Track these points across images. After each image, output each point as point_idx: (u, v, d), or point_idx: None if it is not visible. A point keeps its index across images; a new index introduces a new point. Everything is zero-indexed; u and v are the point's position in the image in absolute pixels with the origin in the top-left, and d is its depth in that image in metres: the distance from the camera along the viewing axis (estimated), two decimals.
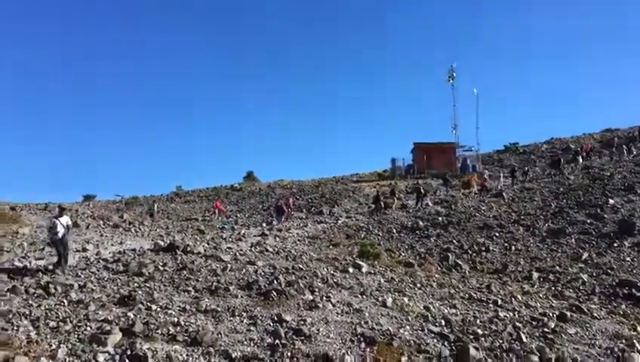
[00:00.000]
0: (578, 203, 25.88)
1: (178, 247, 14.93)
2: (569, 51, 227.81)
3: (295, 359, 7.89)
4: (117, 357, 7.25)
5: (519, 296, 14.15)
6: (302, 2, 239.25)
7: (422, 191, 30.37)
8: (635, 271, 17.42)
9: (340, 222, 26.22)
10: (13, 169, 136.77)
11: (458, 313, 11.52)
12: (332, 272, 13.98)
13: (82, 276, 11.77)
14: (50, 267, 12.25)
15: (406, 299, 11.99)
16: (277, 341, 8.33)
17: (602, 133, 50.74)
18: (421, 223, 24.63)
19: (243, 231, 22.29)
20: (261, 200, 36.83)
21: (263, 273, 12.85)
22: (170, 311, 9.35)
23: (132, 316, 8.81)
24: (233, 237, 20.14)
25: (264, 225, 26.40)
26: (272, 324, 9.15)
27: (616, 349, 10.34)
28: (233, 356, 7.70)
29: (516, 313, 12.15)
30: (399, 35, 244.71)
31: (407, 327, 9.89)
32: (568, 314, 12.40)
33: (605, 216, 23.21)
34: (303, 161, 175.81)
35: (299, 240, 20.74)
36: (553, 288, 16.12)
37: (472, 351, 8.78)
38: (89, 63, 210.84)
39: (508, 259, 19.32)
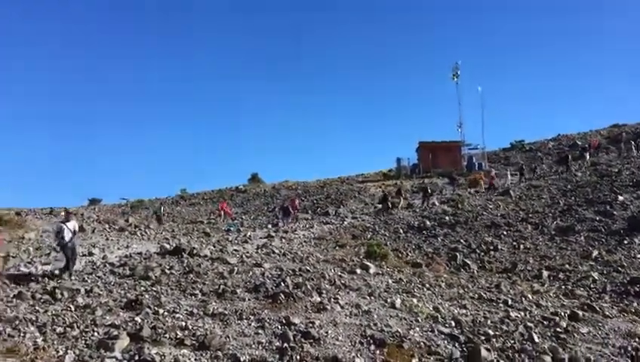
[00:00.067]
0: (586, 200, 25.66)
1: (184, 250, 14.87)
2: (571, 48, 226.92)
3: None
4: None
5: (529, 296, 14.00)
6: (303, 2, 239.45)
7: (428, 190, 30.19)
8: None
9: (345, 222, 26.09)
10: (16, 173, 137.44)
11: (468, 313, 11.39)
12: (339, 273, 13.87)
13: (89, 280, 11.72)
14: (57, 272, 12.19)
15: (415, 300, 11.87)
16: (285, 344, 8.24)
17: (609, 129, 50.41)
18: (428, 223, 24.47)
19: (249, 233, 22.22)
20: (266, 201, 36.75)
21: (269, 275, 12.75)
22: (177, 315, 9.28)
23: (139, 320, 8.74)
24: (239, 239, 20.06)
25: (270, 226, 26.33)
26: (280, 327, 9.05)
27: (629, 348, 10.21)
28: (242, 360, 7.62)
29: (527, 313, 12.00)
30: (401, 34, 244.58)
31: (417, 329, 9.77)
32: (580, 313, 12.25)
33: (614, 212, 22.98)
34: (307, 161, 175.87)
35: (305, 241, 20.64)
36: (564, 287, 15.95)
37: (484, 352, 8.66)
38: (91, 63, 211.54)
39: (517, 258, 19.15)
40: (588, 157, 37.37)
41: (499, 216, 24.91)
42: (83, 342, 7.79)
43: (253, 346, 8.19)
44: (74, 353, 7.36)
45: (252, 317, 9.50)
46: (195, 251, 14.95)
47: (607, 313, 12.85)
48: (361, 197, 34.48)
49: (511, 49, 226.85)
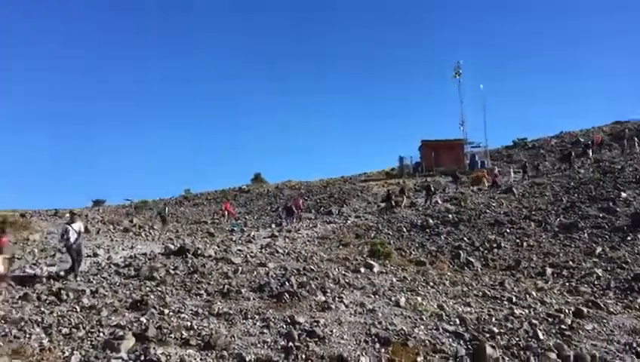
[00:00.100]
0: (590, 197, 25.60)
1: (188, 251, 14.90)
2: (573, 45, 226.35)
3: (310, 361, 7.82)
4: None
5: (534, 293, 14.00)
6: (303, 2, 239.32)
7: (431, 188, 30.16)
8: None
9: (349, 221, 26.11)
10: (17, 173, 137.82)
11: (473, 311, 11.41)
12: (343, 272, 13.89)
13: (94, 281, 11.76)
14: (62, 273, 12.25)
15: (419, 298, 11.88)
16: (291, 343, 8.27)
17: (612, 126, 50.25)
18: (431, 221, 24.45)
19: (252, 233, 22.26)
20: (269, 201, 36.79)
21: (274, 275, 12.78)
22: (182, 315, 9.31)
23: (145, 321, 8.77)
24: (243, 239, 20.09)
25: (273, 226, 26.36)
26: (285, 326, 9.08)
27: (634, 344, 10.20)
28: (247, 359, 7.65)
29: (532, 310, 12.01)
30: (402, 33, 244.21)
31: (422, 327, 9.79)
32: (584, 309, 12.25)
33: (618, 209, 22.92)
34: (310, 161, 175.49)
35: (308, 240, 20.66)
36: (568, 284, 15.94)
37: (489, 350, 8.67)
38: (91, 63, 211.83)
39: (520, 255, 19.12)
40: (591, 154, 37.28)
41: (502, 214, 24.86)
42: (89, 342, 7.83)
43: (259, 345, 8.22)
44: (80, 354, 7.40)
45: (257, 317, 9.53)
46: (199, 251, 14.98)
47: (612, 309, 12.85)
48: (364, 196, 34.48)
49: (513, 47, 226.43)
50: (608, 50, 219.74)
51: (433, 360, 8.36)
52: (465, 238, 21.77)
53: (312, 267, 14.11)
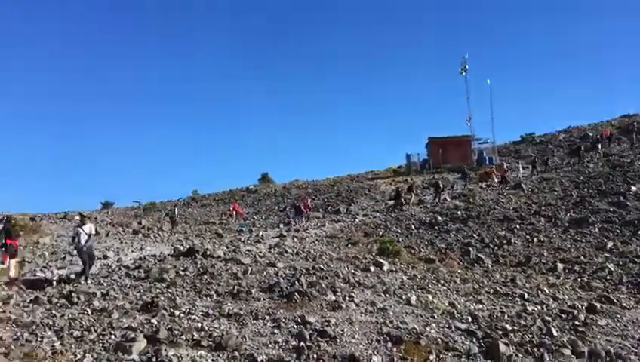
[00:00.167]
0: (599, 191, 25.38)
1: (198, 252, 14.89)
2: (576, 43, 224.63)
3: (321, 361, 7.78)
4: None
5: (546, 289, 13.89)
6: (303, 2, 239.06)
7: (440, 185, 30.01)
8: None
9: (357, 220, 26.05)
10: (17, 173, 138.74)
11: (484, 308, 11.32)
12: (353, 271, 13.83)
13: (104, 284, 11.78)
14: (73, 276, 12.27)
15: (430, 296, 11.81)
16: (302, 343, 8.23)
17: (620, 119, 49.77)
18: (440, 218, 24.34)
19: (261, 233, 22.26)
20: (277, 201, 36.80)
21: (283, 275, 12.74)
22: (193, 317, 9.29)
23: (156, 322, 8.76)
24: (251, 239, 20.10)
25: (281, 226, 26.35)
26: (296, 326, 9.03)
27: None
28: (259, 359, 7.61)
29: (544, 306, 11.91)
30: (408, 31, 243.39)
31: (434, 325, 9.71)
32: (597, 305, 12.14)
33: (628, 203, 22.73)
34: (316, 160, 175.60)
35: (317, 240, 20.63)
36: (579, 279, 15.81)
37: (502, 347, 8.59)
38: (91, 63, 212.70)
39: (531, 251, 19.01)
40: (600, 148, 36.94)
41: (511, 210, 24.71)
42: (100, 345, 7.82)
43: (270, 346, 8.19)
44: (92, 356, 7.39)
45: (267, 317, 9.49)
46: (208, 252, 14.97)
47: (625, 304, 12.74)
48: (371, 194, 34.40)
49: (520, 43, 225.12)
50: (614, 47, 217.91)
51: (446, 358, 8.28)
52: (474, 235, 21.66)
53: (322, 266, 14.06)
